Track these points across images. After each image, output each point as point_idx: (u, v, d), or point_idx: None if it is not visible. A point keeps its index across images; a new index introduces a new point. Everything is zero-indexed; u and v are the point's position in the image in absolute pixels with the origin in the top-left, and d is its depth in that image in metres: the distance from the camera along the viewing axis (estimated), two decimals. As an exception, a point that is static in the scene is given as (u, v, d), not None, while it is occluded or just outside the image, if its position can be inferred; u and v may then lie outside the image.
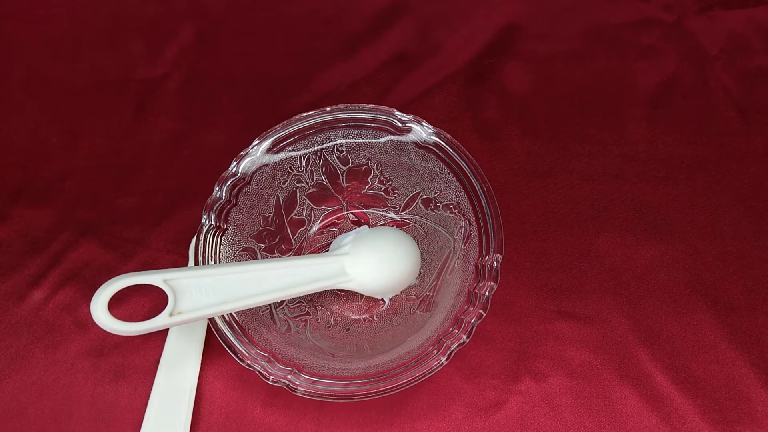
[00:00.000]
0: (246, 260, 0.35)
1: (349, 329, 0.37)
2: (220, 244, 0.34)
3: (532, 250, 0.40)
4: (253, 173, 0.35)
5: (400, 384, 0.31)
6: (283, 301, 0.36)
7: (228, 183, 0.34)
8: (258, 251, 0.36)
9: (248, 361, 0.31)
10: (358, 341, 0.36)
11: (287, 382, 0.31)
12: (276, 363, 0.32)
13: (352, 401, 0.32)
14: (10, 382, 0.37)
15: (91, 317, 0.28)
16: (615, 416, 0.35)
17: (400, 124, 0.35)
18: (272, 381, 0.31)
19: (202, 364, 0.36)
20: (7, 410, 0.36)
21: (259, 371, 0.31)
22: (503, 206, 0.34)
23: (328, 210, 0.39)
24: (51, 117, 0.45)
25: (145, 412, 0.35)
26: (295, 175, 0.37)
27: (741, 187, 0.41)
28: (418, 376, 0.31)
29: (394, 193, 0.38)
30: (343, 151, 0.37)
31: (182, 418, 0.35)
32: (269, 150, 0.35)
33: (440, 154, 0.35)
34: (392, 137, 0.35)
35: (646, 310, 0.38)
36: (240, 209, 0.35)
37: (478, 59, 0.46)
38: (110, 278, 0.29)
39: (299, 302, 0.37)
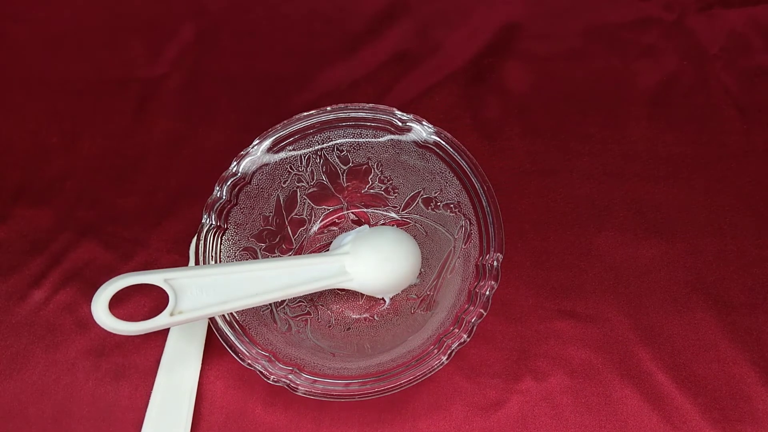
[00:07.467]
0: (246, 260, 0.35)
1: (349, 329, 0.37)
2: (221, 243, 0.34)
3: (533, 249, 0.40)
4: (254, 173, 0.35)
5: (401, 383, 0.31)
6: (284, 301, 0.36)
7: (228, 182, 0.34)
8: (258, 251, 0.36)
9: (249, 361, 0.31)
10: (358, 341, 0.36)
11: (288, 381, 0.31)
12: (277, 362, 0.32)
13: (352, 401, 0.32)
14: (11, 382, 0.37)
15: (91, 317, 0.28)
16: (615, 415, 0.35)
17: (400, 124, 0.35)
18: (273, 380, 0.31)
19: (202, 363, 0.36)
20: (8, 410, 0.36)
21: (259, 371, 0.31)
22: (503, 205, 0.34)
23: (328, 209, 0.39)
24: (51, 117, 0.45)
25: (145, 411, 0.35)
26: (295, 174, 0.37)
27: (741, 186, 0.41)
28: (418, 375, 0.31)
29: (394, 193, 0.38)
30: (343, 151, 0.37)
31: (183, 417, 0.35)
32: (269, 149, 0.35)
33: (440, 153, 0.35)
34: (392, 136, 0.35)
35: (646, 309, 0.38)
36: (240, 209, 0.35)
37: (478, 58, 0.46)
38: (111, 278, 0.29)
39: (300, 301, 0.37)
